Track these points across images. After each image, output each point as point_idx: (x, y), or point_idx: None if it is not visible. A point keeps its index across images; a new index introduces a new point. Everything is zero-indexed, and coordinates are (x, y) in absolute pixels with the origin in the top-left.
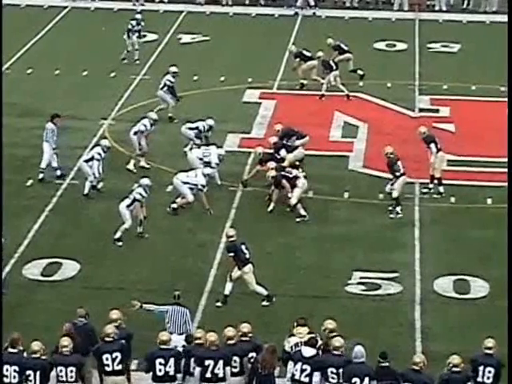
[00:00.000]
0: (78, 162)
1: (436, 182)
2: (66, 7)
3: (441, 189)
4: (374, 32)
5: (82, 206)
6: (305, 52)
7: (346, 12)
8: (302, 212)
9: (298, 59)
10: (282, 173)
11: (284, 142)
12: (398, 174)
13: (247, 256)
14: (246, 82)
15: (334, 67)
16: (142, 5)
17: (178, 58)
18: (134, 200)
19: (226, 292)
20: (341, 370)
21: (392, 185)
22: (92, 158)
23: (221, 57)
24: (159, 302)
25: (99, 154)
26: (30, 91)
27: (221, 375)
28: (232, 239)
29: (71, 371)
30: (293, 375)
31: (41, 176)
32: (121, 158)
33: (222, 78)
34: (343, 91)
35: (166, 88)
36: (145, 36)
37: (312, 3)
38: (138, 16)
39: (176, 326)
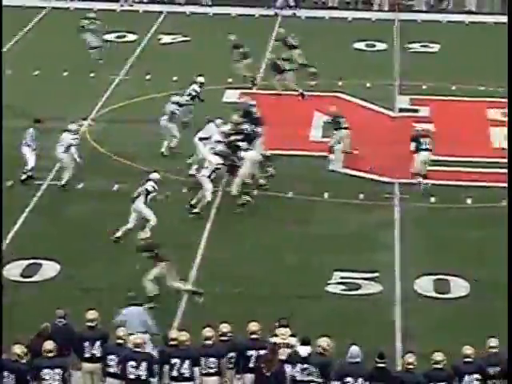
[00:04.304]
0: (58, 162)
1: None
2: (44, 7)
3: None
4: (354, 32)
5: (63, 206)
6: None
7: (326, 12)
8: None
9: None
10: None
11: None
12: (339, 127)
13: (164, 254)
14: (226, 83)
15: (284, 68)
16: (131, 5)
17: (158, 58)
18: (148, 193)
19: (192, 288)
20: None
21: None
22: (69, 147)
23: (201, 57)
24: (137, 302)
25: (73, 139)
26: (8, 92)
27: (187, 375)
28: (146, 240)
29: (57, 374)
30: (293, 377)
31: (24, 177)
32: (101, 158)
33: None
34: (297, 90)
35: (189, 97)
36: (124, 36)
37: (292, 3)
38: (91, 14)
39: (134, 326)
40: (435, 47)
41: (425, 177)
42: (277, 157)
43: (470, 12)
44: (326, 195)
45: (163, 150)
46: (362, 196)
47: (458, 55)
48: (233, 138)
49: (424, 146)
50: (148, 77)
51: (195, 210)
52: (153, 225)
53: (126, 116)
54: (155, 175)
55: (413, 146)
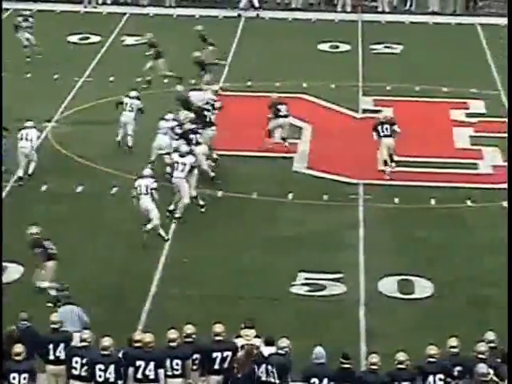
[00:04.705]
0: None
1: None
2: (7, 9)
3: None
4: (318, 33)
5: (26, 208)
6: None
7: (290, 13)
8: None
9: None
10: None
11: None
12: (277, 114)
13: (53, 251)
14: (189, 84)
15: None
16: (95, 7)
17: (121, 60)
18: (152, 190)
19: (43, 286)
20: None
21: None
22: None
23: (164, 58)
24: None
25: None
26: None
27: (152, 377)
28: (36, 236)
29: (24, 378)
30: (259, 378)
31: None
32: (64, 160)
33: (166, 80)
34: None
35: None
36: (87, 38)
37: (256, 5)
38: (26, 12)
39: (69, 325)
40: (398, 48)
41: (391, 159)
42: (240, 158)
43: (433, 13)
44: (290, 196)
45: (130, 144)
46: (326, 197)
47: (422, 56)
48: (187, 126)
49: (383, 133)
50: (111, 78)
51: (177, 215)
52: (156, 223)
53: (90, 118)
54: (149, 171)
55: (374, 135)
